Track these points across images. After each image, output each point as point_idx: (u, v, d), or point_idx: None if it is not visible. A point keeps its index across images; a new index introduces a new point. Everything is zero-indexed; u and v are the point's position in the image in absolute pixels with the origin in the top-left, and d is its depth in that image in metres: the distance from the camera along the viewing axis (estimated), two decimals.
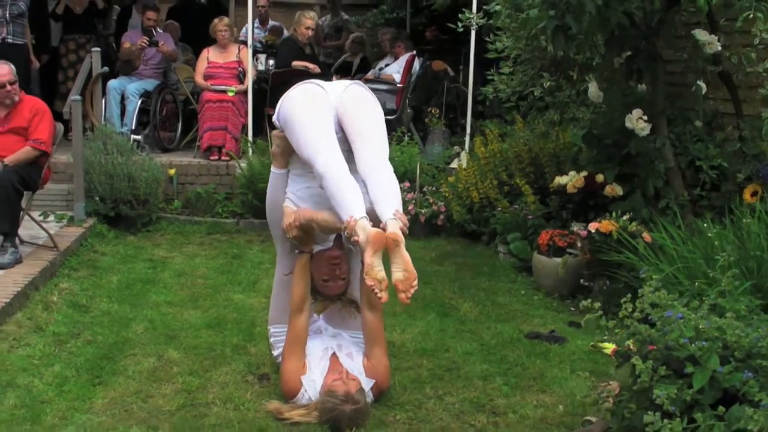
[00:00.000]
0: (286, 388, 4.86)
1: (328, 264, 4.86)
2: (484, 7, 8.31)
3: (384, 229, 4.29)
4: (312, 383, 4.80)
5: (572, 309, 6.67)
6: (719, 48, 6.57)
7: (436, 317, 6.45)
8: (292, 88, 5.00)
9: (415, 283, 4.30)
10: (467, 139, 10.33)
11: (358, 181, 4.57)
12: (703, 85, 7.03)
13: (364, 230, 4.27)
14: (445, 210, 9.03)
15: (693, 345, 3.93)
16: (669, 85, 7.21)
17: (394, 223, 4.32)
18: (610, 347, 5.35)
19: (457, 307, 6.73)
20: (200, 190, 9.77)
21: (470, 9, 8.76)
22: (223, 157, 10.18)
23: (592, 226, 6.58)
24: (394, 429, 4.61)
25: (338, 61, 13.11)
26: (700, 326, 4.00)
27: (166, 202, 9.70)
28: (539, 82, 7.96)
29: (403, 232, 4.33)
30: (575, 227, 6.95)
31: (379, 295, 4.26)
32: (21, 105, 7.40)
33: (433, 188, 9.40)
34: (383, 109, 5.02)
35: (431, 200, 9.16)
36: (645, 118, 6.59)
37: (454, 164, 9.76)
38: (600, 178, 7.25)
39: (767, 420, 3.43)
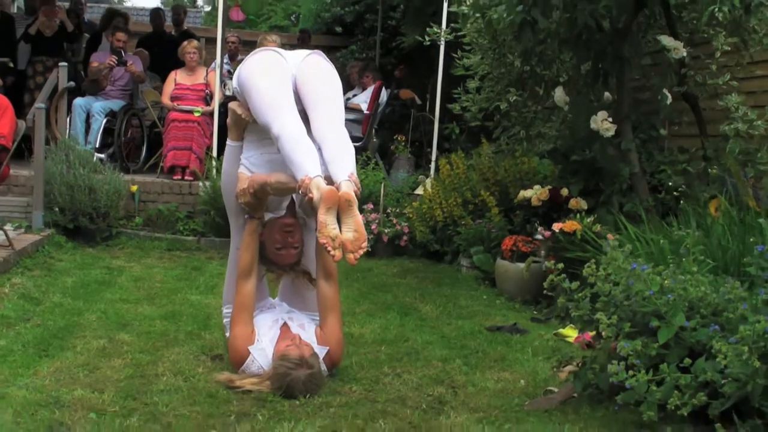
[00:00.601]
0: (234, 356, 4.72)
1: (280, 231, 4.77)
2: (452, 24, 8.36)
3: (338, 189, 4.21)
4: (261, 351, 4.65)
5: (535, 312, 6.56)
6: (684, 54, 6.60)
7: (396, 315, 6.32)
8: (250, 54, 4.94)
9: (365, 244, 4.22)
10: (432, 166, 10.28)
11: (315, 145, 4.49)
12: (669, 95, 7.03)
13: (318, 188, 4.19)
14: (409, 231, 8.94)
15: (659, 299, 3.85)
16: (635, 90, 7.22)
17: (348, 184, 4.26)
18: (573, 334, 5.27)
19: (418, 308, 6.61)
20: (162, 208, 9.63)
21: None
22: (186, 177, 10.06)
23: (556, 226, 6.53)
24: (349, 398, 4.45)
25: None
26: (665, 282, 3.92)
27: (127, 219, 9.55)
28: (506, 97, 7.96)
29: (356, 194, 4.26)
30: (540, 230, 6.87)
31: (332, 252, 4.15)
32: None
33: (397, 210, 9.31)
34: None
35: (395, 221, 9.07)
36: (610, 119, 6.57)
37: (419, 191, 9.70)
38: (565, 192, 7.22)
39: (735, 357, 3.32)
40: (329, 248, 4.15)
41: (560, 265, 4.28)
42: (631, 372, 3.71)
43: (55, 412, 4.00)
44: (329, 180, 4.32)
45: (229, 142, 4.97)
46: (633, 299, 3.95)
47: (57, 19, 11.88)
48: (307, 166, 4.30)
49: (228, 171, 4.99)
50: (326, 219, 4.14)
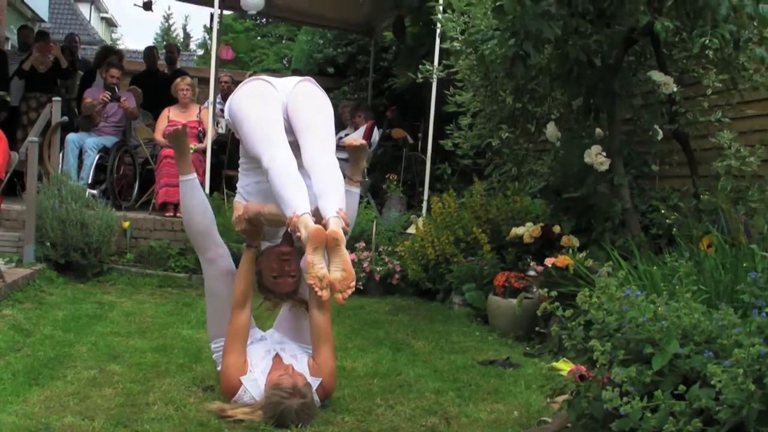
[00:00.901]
0: (226, 386, 4.70)
1: (277, 260, 4.76)
2: (444, 61, 8.41)
3: (325, 227, 4.20)
4: (254, 382, 4.63)
5: (527, 348, 6.54)
6: (674, 89, 6.64)
7: (388, 351, 6.29)
8: (241, 84, 4.97)
9: (353, 284, 4.20)
10: (424, 205, 10.28)
11: (305, 176, 4.48)
12: (660, 131, 7.06)
13: (306, 226, 4.17)
14: (401, 269, 8.93)
15: (653, 326, 3.84)
16: (626, 126, 7.25)
17: (336, 221, 4.22)
18: (566, 368, 5.24)
19: (410, 344, 6.58)
20: (153, 245, 9.61)
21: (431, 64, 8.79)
22: (178, 214, 10.05)
23: (549, 261, 6.54)
24: (341, 428, 4.43)
25: None
26: (659, 309, 3.91)
27: (119, 255, 9.52)
28: (497, 134, 8.00)
29: (345, 231, 4.25)
30: (532, 264, 6.88)
31: (319, 293, 4.14)
32: None
33: (389, 249, 9.30)
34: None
35: (387, 259, 9.07)
36: (604, 154, 6.60)
37: (411, 230, 9.69)
38: (557, 229, 7.23)
39: (730, 381, 3.31)
40: (317, 288, 4.13)
41: (553, 293, 4.26)
42: (625, 399, 3.69)
43: None
44: (318, 215, 4.30)
45: (182, 177, 5.01)
46: (626, 326, 3.94)
47: (51, 55, 11.91)
48: (295, 203, 4.28)
49: (188, 206, 5.07)
50: (313, 259, 4.12)
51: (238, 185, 4.91)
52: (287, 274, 4.76)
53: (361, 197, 10.14)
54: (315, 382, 4.64)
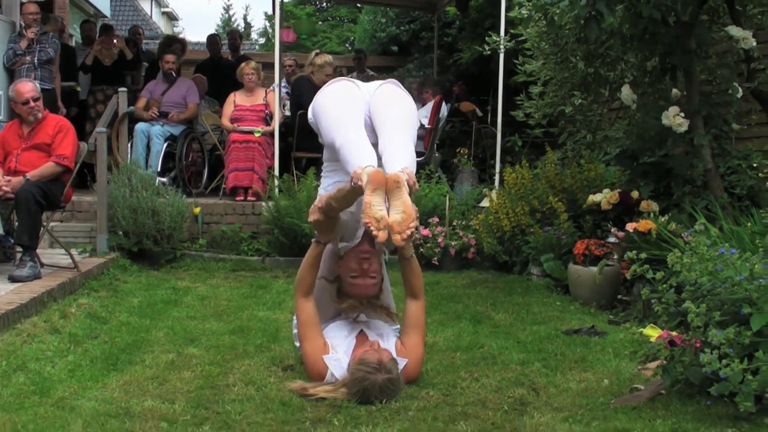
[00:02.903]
0: (311, 371, 4.59)
1: (356, 258, 4.62)
2: (512, 30, 8.22)
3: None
4: (337, 362, 4.52)
5: (611, 316, 6.35)
6: (754, 44, 6.39)
7: (468, 324, 6.16)
8: (325, 85, 4.89)
9: (413, 224, 4.06)
10: (496, 177, 10.11)
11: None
12: (739, 88, 6.80)
13: (367, 174, 4.08)
14: (476, 243, 8.78)
15: (750, 285, 3.65)
16: (703, 85, 7.00)
17: (400, 171, 4.12)
18: (654, 334, 5.06)
19: (490, 316, 6.44)
20: (225, 229, 9.58)
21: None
22: (248, 198, 10.02)
23: (630, 226, 6.33)
24: (427, 402, 4.30)
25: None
26: (755, 267, 3.72)
27: (191, 241, 9.51)
28: (570, 101, 7.79)
29: (410, 186, 4.12)
30: (612, 230, 6.68)
31: (375, 233, 4.01)
32: (45, 122, 7.32)
33: (463, 223, 9.15)
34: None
35: (461, 234, 8.92)
36: (682, 114, 6.37)
37: (484, 203, 9.53)
38: (635, 194, 7.02)
39: None
40: (372, 228, 4.00)
41: (643, 255, 4.08)
42: (724, 362, 3.52)
43: (126, 423, 3.92)
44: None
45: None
46: (722, 286, 3.76)
47: (116, 48, 11.95)
48: (360, 160, 4.19)
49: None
50: (372, 199, 4.01)
51: (320, 189, 4.89)
52: (367, 274, 4.62)
53: (432, 172, 10.07)
54: (401, 362, 4.51)
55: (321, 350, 4.58)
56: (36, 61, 10.16)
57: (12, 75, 10.07)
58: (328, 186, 4.78)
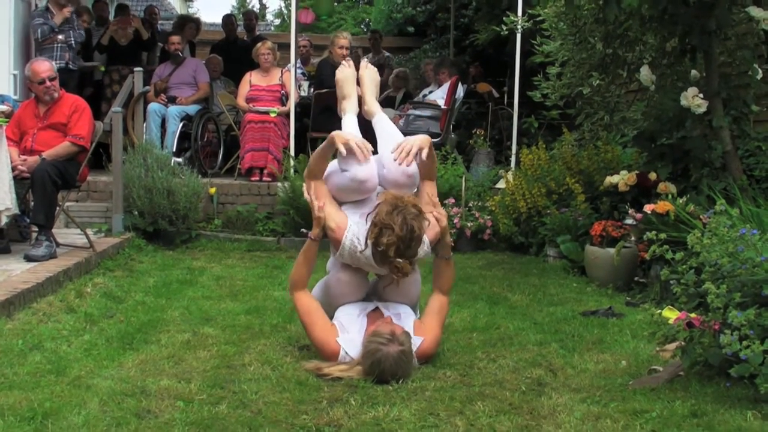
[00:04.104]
0: (324, 354, 4.57)
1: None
2: (529, 11, 8.16)
3: None
4: (350, 342, 4.52)
5: (628, 298, 6.31)
6: None
7: (485, 305, 6.14)
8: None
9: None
10: (513, 159, 10.06)
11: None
12: (759, 70, 6.73)
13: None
14: (492, 224, 8.75)
15: None
16: (722, 67, 6.92)
17: None
18: (672, 316, 5.02)
19: (506, 298, 6.42)
20: (240, 209, 9.56)
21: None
22: (264, 178, 9.99)
23: (648, 208, 6.29)
24: (444, 382, 4.29)
25: (381, 97, 12.91)
26: None
27: (206, 221, 9.50)
28: (588, 82, 7.73)
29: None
30: (630, 212, 6.63)
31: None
32: (61, 101, 7.32)
33: (479, 204, 9.11)
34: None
35: (477, 215, 8.88)
36: (701, 96, 6.31)
37: (500, 184, 9.48)
38: (653, 176, 6.97)
39: None
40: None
41: (662, 235, 4.05)
42: (745, 343, 3.49)
43: (142, 401, 3.91)
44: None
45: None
46: (742, 267, 3.72)
47: (131, 27, 11.92)
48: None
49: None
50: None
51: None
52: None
53: (448, 153, 10.02)
54: (417, 340, 4.50)
55: (330, 332, 4.59)
56: (72, 41, 10.26)
57: (28, 54, 10.08)
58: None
